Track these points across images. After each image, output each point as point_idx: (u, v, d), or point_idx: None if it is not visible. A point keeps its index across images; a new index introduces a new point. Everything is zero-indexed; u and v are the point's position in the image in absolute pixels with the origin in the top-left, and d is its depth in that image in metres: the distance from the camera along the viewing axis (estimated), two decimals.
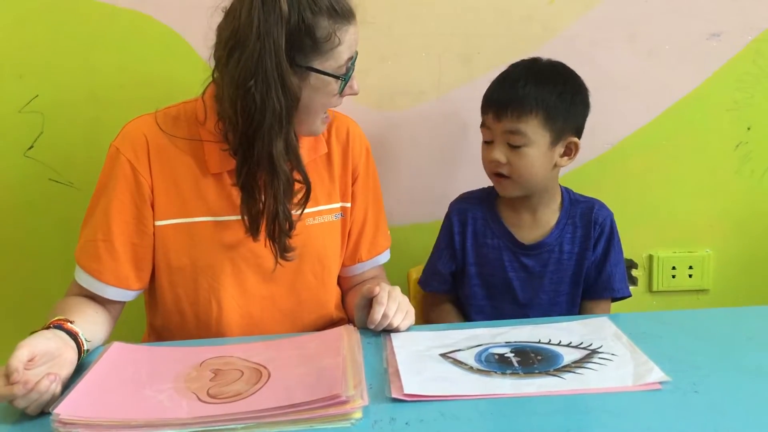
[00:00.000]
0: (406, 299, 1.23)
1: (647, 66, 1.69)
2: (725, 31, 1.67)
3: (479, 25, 1.65)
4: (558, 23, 1.66)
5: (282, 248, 1.24)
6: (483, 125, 1.41)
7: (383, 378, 1.02)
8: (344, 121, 1.39)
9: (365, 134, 1.43)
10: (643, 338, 1.12)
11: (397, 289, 1.23)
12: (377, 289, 1.20)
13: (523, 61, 1.43)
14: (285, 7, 1.12)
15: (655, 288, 1.81)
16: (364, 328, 1.21)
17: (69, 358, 1.03)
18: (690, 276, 1.81)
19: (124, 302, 1.30)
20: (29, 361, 0.96)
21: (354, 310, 1.28)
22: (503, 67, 1.43)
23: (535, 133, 1.34)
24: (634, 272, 1.81)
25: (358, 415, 0.92)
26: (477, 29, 1.65)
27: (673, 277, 1.80)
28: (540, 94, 1.34)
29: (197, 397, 0.97)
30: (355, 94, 1.26)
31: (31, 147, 1.64)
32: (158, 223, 1.26)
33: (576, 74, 1.41)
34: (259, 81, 1.12)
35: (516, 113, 1.34)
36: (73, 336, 1.06)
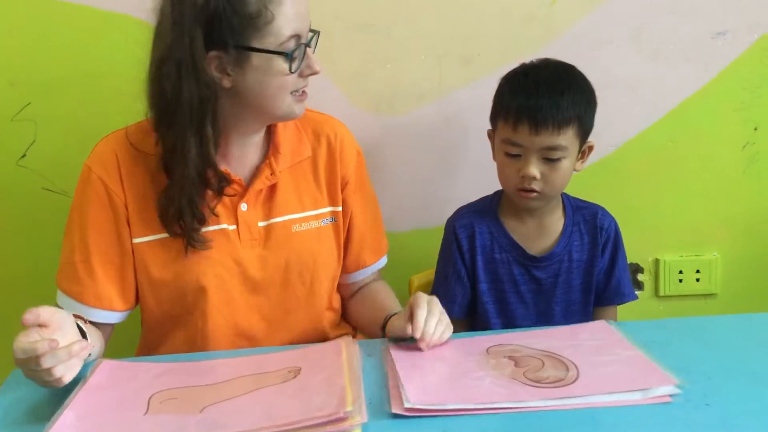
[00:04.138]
0: (443, 311, 1.16)
1: (651, 66, 1.66)
2: (731, 29, 1.65)
3: (480, 25, 1.62)
4: (560, 23, 1.63)
5: (189, 239, 1.20)
6: (508, 140, 1.31)
7: (383, 392, 0.99)
8: (332, 125, 1.34)
9: (364, 139, 1.40)
10: (651, 347, 1.08)
11: (434, 299, 1.17)
12: (419, 300, 1.15)
13: (536, 65, 1.36)
14: None
15: (661, 293, 1.79)
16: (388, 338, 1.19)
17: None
18: (697, 280, 1.78)
19: (112, 325, 1.27)
20: (40, 325, 0.96)
21: (393, 323, 1.20)
22: (505, 69, 1.39)
23: (571, 144, 1.30)
24: (640, 277, 1.79)
25: None
26: (477, 30, 1.63)
27: (680, 281, 1.78)
28: (576, 102, 1.29)
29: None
30: (316, 73, 1.19)
31: (24, 155, 1.62)
32: (136, 240, 1.23)
33: (587, 79, 1.36)
34: (171, 71, 1.10)
35: (556, 126, 1.27)
36: (83, 335, 1.06)
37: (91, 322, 1.22)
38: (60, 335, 0.98)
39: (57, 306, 1.24)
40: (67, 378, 0.96)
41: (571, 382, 0.99)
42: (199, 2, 1.08)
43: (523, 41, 1.62)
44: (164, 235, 1.22)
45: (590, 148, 1.37)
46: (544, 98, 1.28)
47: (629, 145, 1.70)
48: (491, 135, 1.40)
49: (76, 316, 1.09)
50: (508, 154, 1.33)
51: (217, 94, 1.14)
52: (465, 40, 1.63)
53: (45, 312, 0.98)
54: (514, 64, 1.40)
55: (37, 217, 1.65)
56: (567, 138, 1.28)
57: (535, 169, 1.29)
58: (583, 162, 1.37)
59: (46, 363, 0.93)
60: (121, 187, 1.21)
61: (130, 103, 1.54)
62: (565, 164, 1.30)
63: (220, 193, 1.21)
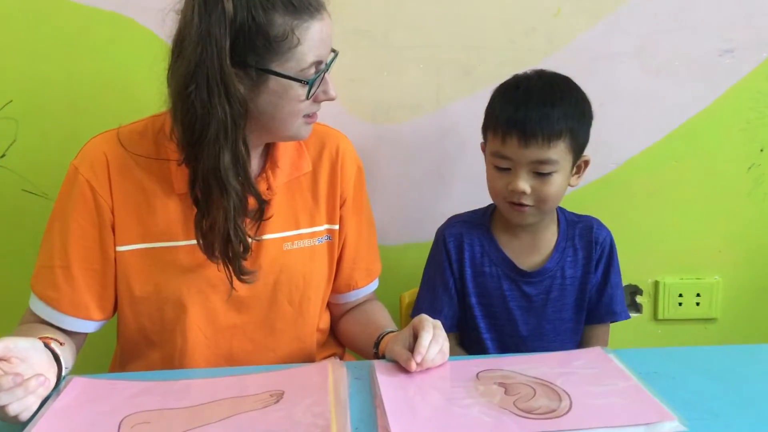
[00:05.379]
0: (447, 338, 1.12)
1: (656, 82, 1.62)
2: (738, 47, 1.61)
3: (481, 36, 1.58)
4: (563, 36, 1.59)
5: (237, 271, 1.14)
6: (497, 153, 1.28)
7: (371, 420, 0.94)
8: (335, 138, 1.30)
9: (358, 148, 1.35)
10: (653, 378, 1.03)
11: (439, 323, 1.12)
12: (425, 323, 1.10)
13: (529, 76, 1.32)
14: (229, 5, 1.03)
15: (660, 316, 1.75)
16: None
17: (51, 380, 0.97)
18: (697, 304, 1.74)
19: (86, 334, 1.21)
20: (0, 359, 0.90)
21: (392, 344, 1.15)
22: (504, 80, 1.35)
23: (563, 158, 1.25)
24: (638, 299, 1.75)
25: None
26: (478, 41, 1.58)
27: (680, 304, 1.74)
28: (567, 115, 1.25)
29: None
30: (331, 99, 1.16)
31: (3, 155, 1.56)
32: (119, 248, 1.17)
33: (584, 92, 1.32)
34: (200, 86, 1.03)
35: (546, 139, 1.23)
36: (56, 359, 1.01)
37: (64, 330, 1.16)
38: (25, 367, 0.93)
39: (30, 310, 1.19)
40: (24, 416, 0.91)
41: (563, 413, 0.94)
42: (228, 15, 1.03)
43: (525, 53, 1.58)
44: (149, 244, 1.17)
45: (586, 163, 1.33)
46: (533, 110, 1.24)
47: (631, 163, 1.66)
48: (484, 148, 1.36)
49: (50, 339, 1.04)
50: (497, 167, 1.29)
51: (248, 110, 1.08)
52: (465, 51, 1.58)
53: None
54: (513, 76, 1.35)
55: (16, 219, 1.59)
56: (558, 152, 1.24)
57: (524, 184, 1.25)
58: (578, 177, 1.33)
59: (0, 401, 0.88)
60: (108, 192, 1.16)
61: (115, 103, 1.52)
62: (557, 179, 1.26)
63: (260, 215, 1.15)
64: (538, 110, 1.24)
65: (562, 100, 1.26)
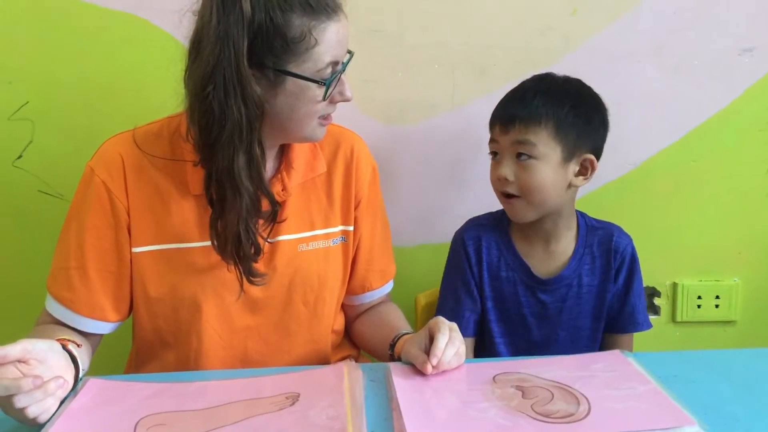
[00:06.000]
0: (463, 341, 1.11)
1: (674, 82, 1.60)
2: (758, 46, 1.59)
3: (496, 35, 1.57)
4: (580, 35, 1.58)
5: (247, 272, 1.14)
6: (490, 140, 1.32)
7: (387, 422, 0.93)
8: (349, 139, 1.29)
9: (372, 149, 1.34)
10: (672, 382, 1.01)
11: (455, 326, 1.12)
12: (441, 325, 1.09)
13: (536, 75, 1.34)
14: (247, 6, 1.02)
15: (678, 318, 1.73)
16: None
17: (69, 382, 0.98)
18: (716, 306, 1.72)
19: (102, 335, 1.21)
20: (19, 361, 0.90)
21: (408, 346, 1.14)
22: (521, 81, 1.35)
23: (545, 145, 1.25)
24: (656, 301, 1.73)
25: None
26: (493, 40, 1.57)
27: (699, 307, 1.72)
28: (550, 104, 1.25)
29: None
30: (347, 100, 1.16)
31: (20, 156, 1.56)
32: (135, 249, 1.17)
33: (594, 93, 1.32)
34: (218, 87, 1.03)
35: (524, 124, 1.25)
36: (74, 360, 1.01)
37: (80, 332, 1.17)
38: (43, 369, 0.93)
39: (46, 311, 1.19)
40: (43, 418, 0.91)
41: (581, 417, 0.93)
42: (246, 16, 1.02)
43: (540, 52, 1.57)
44: (164, 245, 1.17)
45: (591, 162, 1.29)
46: (519, 99, 1.29)
47: (649, 164, 1.64)
48: None
49: (68, 340, 1.04)
50: (492, 156, 1.32)
51: (264, 112, 1.08)
52: (480, 50, 1.57)
53: (17, 348, 0.91)
54: (530, 76, 1.35)
55: (33, 220, 1.59)
56: (539, 137, 1.24)
57: (506, 169, 1.27)
58: (585, 179, 1.30)
59: (19, 403, 0.88)
60: (124, 193, 1.16)
61: (130, 105, 1.52)
62: (537, 166, 1.25)
63: (273, 217, 1.15)
64: (521, 100, 1.28)
65: (553, 92, 1.27)
